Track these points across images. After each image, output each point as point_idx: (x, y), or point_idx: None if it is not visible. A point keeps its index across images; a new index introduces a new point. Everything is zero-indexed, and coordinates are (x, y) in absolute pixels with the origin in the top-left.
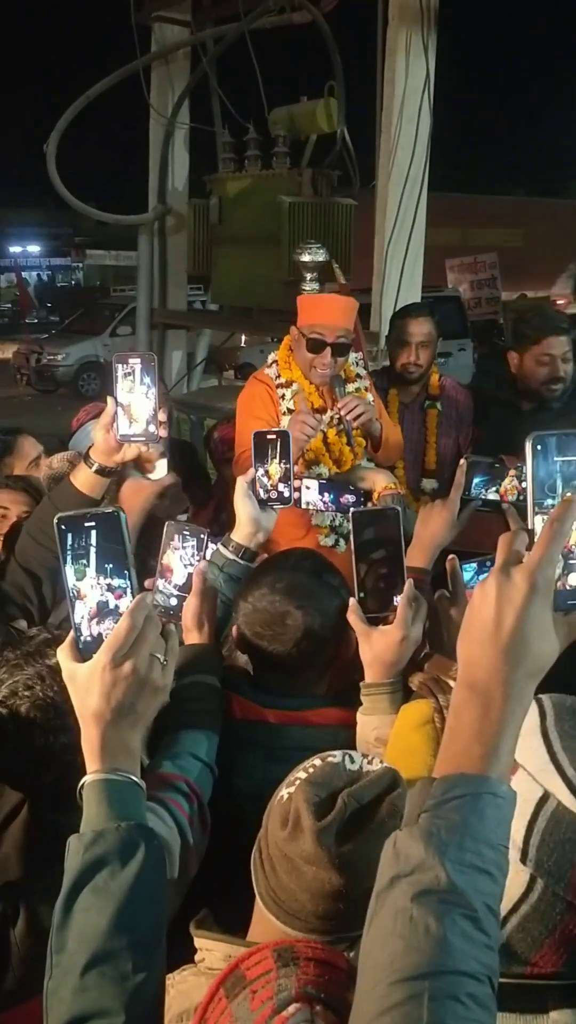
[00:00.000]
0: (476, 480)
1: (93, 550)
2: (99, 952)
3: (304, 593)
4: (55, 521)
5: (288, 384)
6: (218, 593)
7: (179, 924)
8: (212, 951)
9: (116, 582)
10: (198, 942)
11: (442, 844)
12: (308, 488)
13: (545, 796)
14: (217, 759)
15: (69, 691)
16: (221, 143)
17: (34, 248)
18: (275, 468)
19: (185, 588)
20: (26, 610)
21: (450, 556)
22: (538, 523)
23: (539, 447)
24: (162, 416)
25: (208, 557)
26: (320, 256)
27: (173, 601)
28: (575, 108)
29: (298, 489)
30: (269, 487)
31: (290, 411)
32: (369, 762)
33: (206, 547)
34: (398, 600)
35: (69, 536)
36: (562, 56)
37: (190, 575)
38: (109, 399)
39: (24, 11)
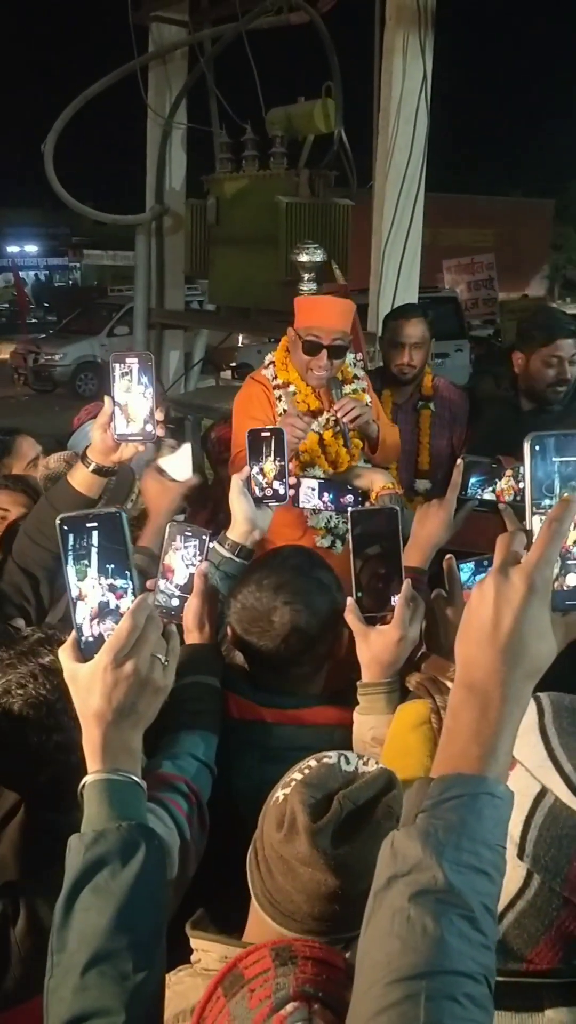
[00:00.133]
0: (473, 480)
1: (95, 550)
2: (100, 951)
3: (291, 590)
4: (57, 522)
5: (285, 385)
6: (218, 593)
7: (177, 925)
8: (208, 952)
9: (117, 582)
10: (194, 943)
11: (439, 844)
12: (309, 489)
13: (543, 792)
14: (216, 759)
15: (70, 691)
16: (218, 143)
17: (31, 248)
18: (270, 466)
19: (186, 589)
20: (23, 610)
21: (447, 556)
22: (536, 523)
23: (537, 447)
24: (159, 415)
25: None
26: (318, 257)
27: (175, 602)
28: (574, 109)
29: (294, 486)
30: (264, 485)
31: (286, 412)
32: (365, 763)
33: (208, 549)
34: (396, 600)
35: (71, 536)
36: (561, 57)
37: (191, 575)
38: (106, 399)
39: (23, 11)
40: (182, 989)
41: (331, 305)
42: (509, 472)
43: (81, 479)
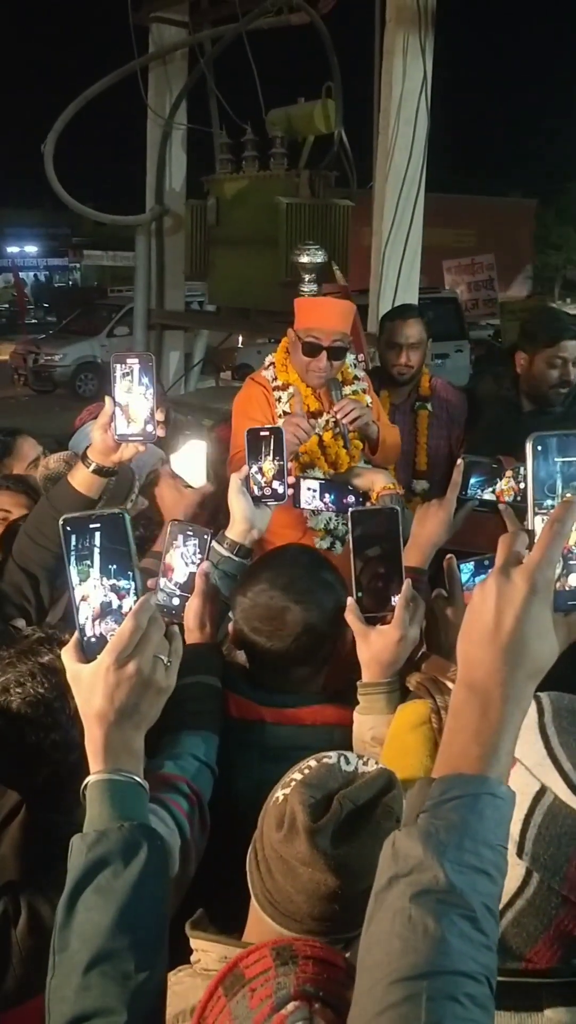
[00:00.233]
0: (473, 480)
1: (97, 551)
2: (101, 951)
3: (303, 589)
4: (60, 522)
5: (285, 386)
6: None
7: (177, 925)
8: (208, 952)
9: (120, 583)
10: (194, 943)
11: (441, 844)
12: (310, 490)
13: (542, 790)
14: (217, 759)
15: (73, 692)
16: (218, 144)
17: (31, 248)
18: (269, 465)
19: (186, 588)
20: (24, 610)
21: (447, 556)
22: (538, 524)
23: (539, 448)
24: (160, 416)
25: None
26: (319, 258)
27: (176, 601)
28: (574, 109)
29: (293, 486)
30: (263, 484)
31: (286, 413)
32: (365, 763)
33: (209, 549)
34: (396, 600)
35: (74, 537)
36: (561, 58)
37: (191, 574)
38: (107, 399)
39: (23, 11)
40: (182, 989)
41: (331, 306)
42: (509, 472)
43: (81, 479)
